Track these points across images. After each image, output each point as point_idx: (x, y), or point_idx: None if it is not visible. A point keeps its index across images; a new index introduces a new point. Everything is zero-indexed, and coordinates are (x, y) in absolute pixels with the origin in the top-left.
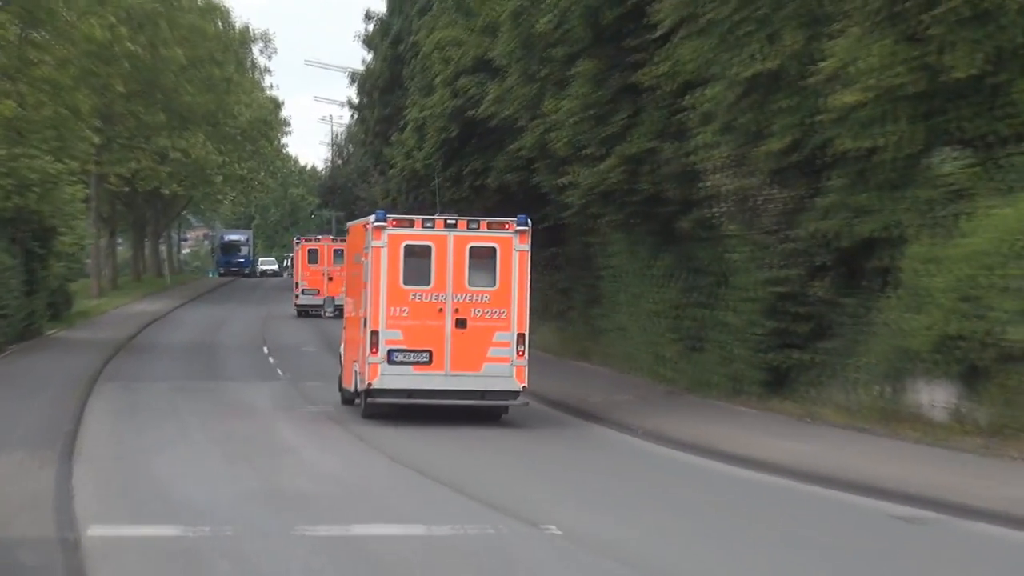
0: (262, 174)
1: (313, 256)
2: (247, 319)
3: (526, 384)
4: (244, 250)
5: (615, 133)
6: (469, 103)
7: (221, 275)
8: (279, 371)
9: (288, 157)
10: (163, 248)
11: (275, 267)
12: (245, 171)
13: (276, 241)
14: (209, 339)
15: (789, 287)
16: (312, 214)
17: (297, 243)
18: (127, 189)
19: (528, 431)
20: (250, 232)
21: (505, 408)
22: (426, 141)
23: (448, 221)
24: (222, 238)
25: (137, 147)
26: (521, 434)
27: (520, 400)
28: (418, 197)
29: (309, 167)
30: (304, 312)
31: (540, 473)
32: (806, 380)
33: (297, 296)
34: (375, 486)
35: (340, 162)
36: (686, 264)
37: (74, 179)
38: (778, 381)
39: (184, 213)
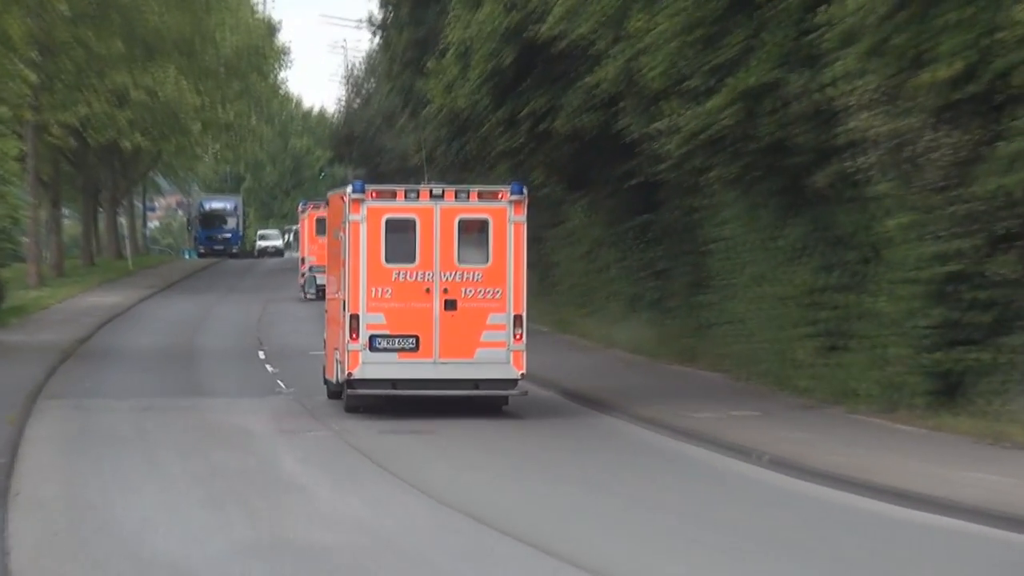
0: (254, 120)
1: (323, 226)
2: (237, 313)
3: (524, 371)
4: (231, 221)
5: (727, 60)
6: (530, 18)
7: (201, 255)
8: (280, 383)
9: (288, 98)
10: (123, 221)
11: (278, 243)
12: (231, 116)
13: (275, 210)
14: (186, 342)
15: (962, 264)
16: (322, 173)
17: (303, 210)
18: (75, 143)
19: (609, 455)
20: (239, 198)
21: (504, 399)
22: (472, 71)
23: (434, 191)
24: (202, 207)
25: (87, 87)
26: (596, 459)
27: (519, 389)
28: (463, 147)
29: (316, 111)
30: (314, 297)
31: (630, 517)
32: (987, 388)
33: (303, 276)
34: (413, 535)
35: (357, 103)
36: (823, 234)
37: (3, 130)
38: (949, 390)
39: (151, 174)
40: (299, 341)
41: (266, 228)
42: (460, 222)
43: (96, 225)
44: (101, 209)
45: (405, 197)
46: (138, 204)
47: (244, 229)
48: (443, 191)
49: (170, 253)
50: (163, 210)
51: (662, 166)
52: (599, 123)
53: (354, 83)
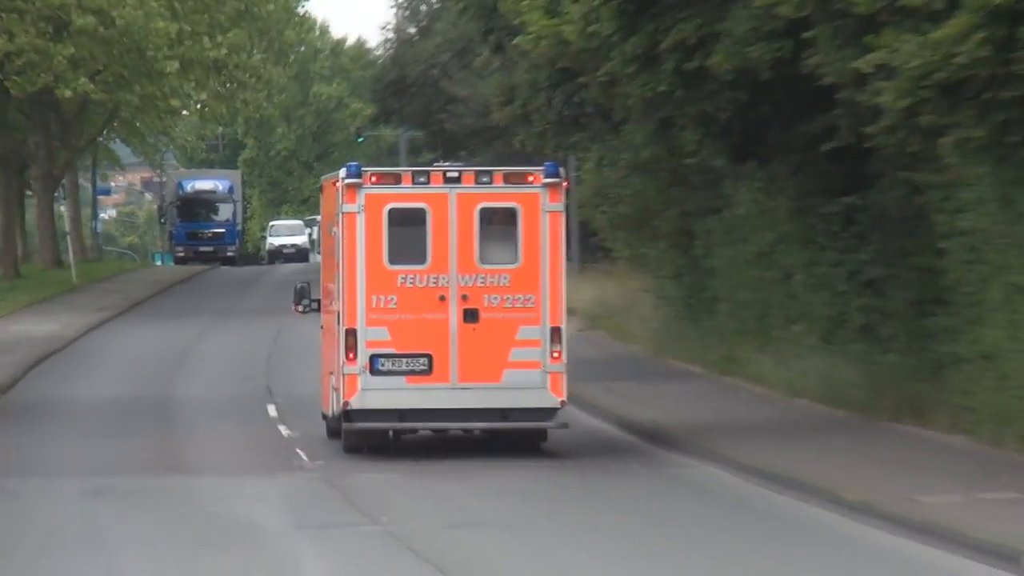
0: (257, 56)
1: None
2: (235, 348)
3: (565, 398)
4: (224, 210)
5: None
6: None
7: (181, 260)
8: (301, 452)
9: (309, 23)
10: (63, 210)
11: (299, 240)
12: (223, 51)
13: (289, 194)
14: (160, 391)
15: None
16: (360, 136)
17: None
18: None
19: (775, 546)
20: (236, 175)
21: (542, 434)
22: None
23: (449, 174)
24: (181, 188)
25: (5, 8)
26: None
27: (557, 421)
28: (572, 99)
29: (351, 43)
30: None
31: None
32: None
33: None
34: None
35: (413, 33)
36: None
37: None
38: None
39: (104, 140)
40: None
41: (279, 218)
42: (482, 212)
43: (22, 217)
44: (29, 193)
45: (413, 181)
46: (85, 184)
47: (244, 221)
48: (460, 174)
49: (134, 258)
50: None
51: (873, 126)
52: (777, 60)
53: (408, 4)
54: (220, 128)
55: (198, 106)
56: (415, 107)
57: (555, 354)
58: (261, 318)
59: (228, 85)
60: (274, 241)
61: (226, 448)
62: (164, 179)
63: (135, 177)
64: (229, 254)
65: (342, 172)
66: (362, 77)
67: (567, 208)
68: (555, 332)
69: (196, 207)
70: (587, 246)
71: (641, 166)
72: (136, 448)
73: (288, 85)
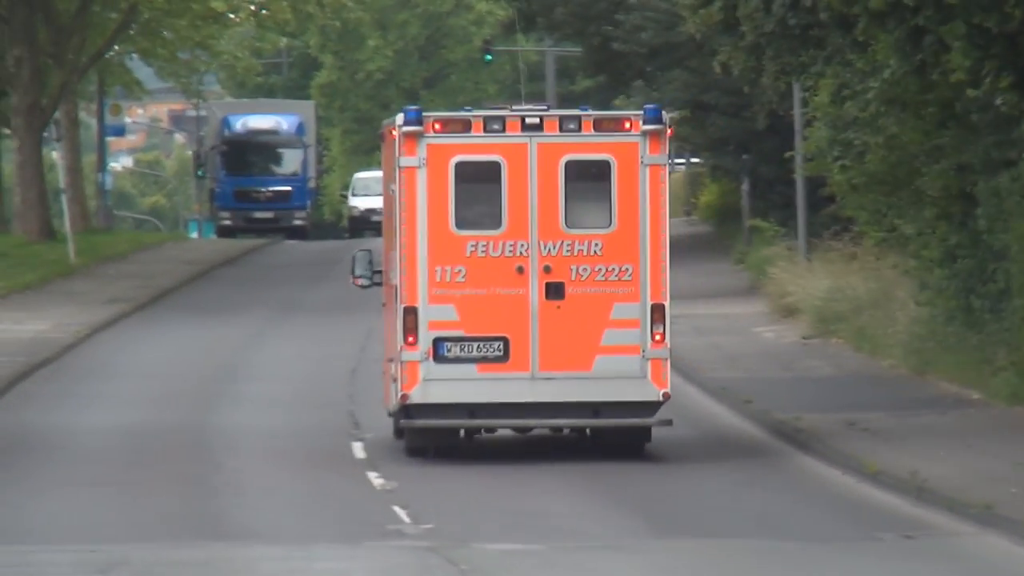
0: None
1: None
2: (303, 359)
3: (668, 390)
4: (291, 158)
5: None
6: None
7: (225, 231)
8: (399, 511)
9: None
10: (55, 155)
11: None
12: None
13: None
14: (194, 421)
15: None
16: (488, 52)
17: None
18: None
19: None
20: (308, 109)
21: (645, 434)
22: None
23: (528, 119)
24: (228, 127)
25: None
26: None
27: (659, 417)
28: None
29: None
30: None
31: None
32: None
33: None
34: None
35: None
36: None
37: None
38: None
39: (116, 55)
40: None
41: (368, 170)
42: (567, 165)
43: None
44: (7, 132)
45: (485, 129)
46: (89, 121)
47: (319, 175)
48: (541, 119)
49: (158, 227)
50: (144, 133)
51: None
52: None
53: None
54: (284, 40)
55: (252, 7)
56: (569, 11)
57: (657, 337)
58: (342, 316)
59: None
60: (359, 204)
61: (290, 504)
62: (203, 113)
63: (161, 110)
64: (297, 222)
65: (399, 118)
66: None
67: (792, 161)
68: (657, 310)
69: (249, 154)
70: (817, 217)
71: (899, 99)
72: (160, 504)
73: None
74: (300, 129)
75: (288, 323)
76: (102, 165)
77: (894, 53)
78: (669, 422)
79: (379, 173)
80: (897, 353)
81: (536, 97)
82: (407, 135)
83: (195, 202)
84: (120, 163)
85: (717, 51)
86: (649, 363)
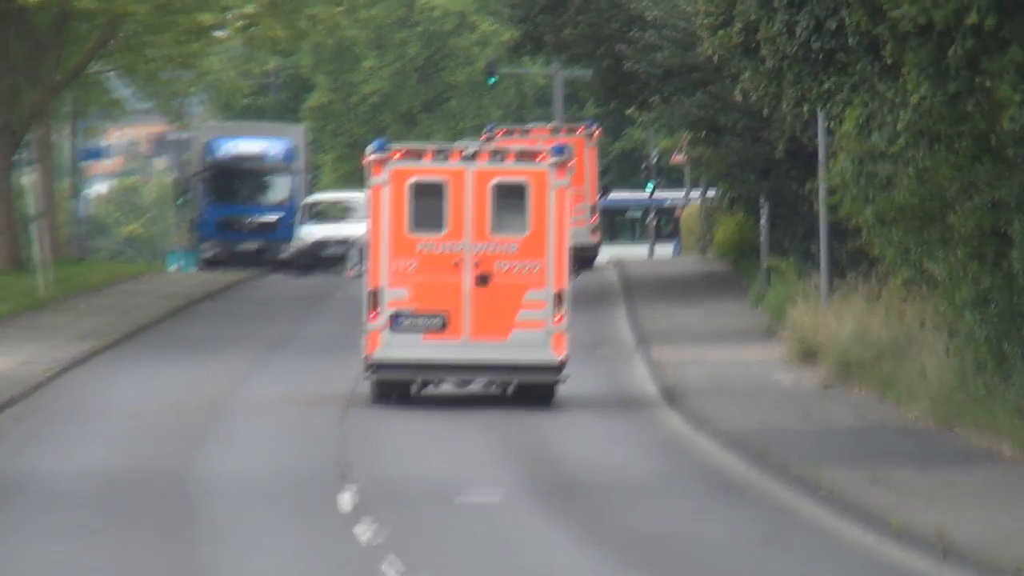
0: None
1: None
2: (293, 402)
3: (566, 355)
4: (280, 186)
5: None
6: None
7: (209, 263)
8: (388, 571)
9: None
10: (25, 181)
11: (360, 230)
12: None
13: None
14: (174, 468)
15: None
16: (492, 74)
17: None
18: None
19: None
20: (298, 133)
21: (550, 389)
22: None
23: (466, 152)
24: (213, 151)
25: None
26: None
27: (559, 376)
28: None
29: None
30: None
31: None
32: None
33: None
34: None
35: None
36: None
37: None
38: None
39: (95, 73)
40: (435, 468)
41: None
42: (495, 187)
43: None
44: None
45: (434, 158)
46: (64, 143)
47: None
48: (476, 152)
49: (137, 258)
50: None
51: None
52: None
53: None
54: (274, 59)
55: (240, 23)
56: (579, 31)
57: (557, 317)
58: (332, 356)
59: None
60: (308, 234)
61: (274, 558)
62: (187, 136)
63: (140, 132)
64: (285, 255)
65: (370, 148)
66: None
67: (814, 192)
68: (558, 296)
69: (235, 181)
70: (841, 253)
71: (930, 131)
72: (135, 555)
73: None
74: (290, 155)
75: (274, 362)
76: (77, 191)
77: (924, 80)
78: (563, 380)
79: (336, 195)
80: (924, 403)
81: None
82: (375, 160)
83: (176, 232)
84: (96, 189)
85: (736, 74)
86: (551, 336)
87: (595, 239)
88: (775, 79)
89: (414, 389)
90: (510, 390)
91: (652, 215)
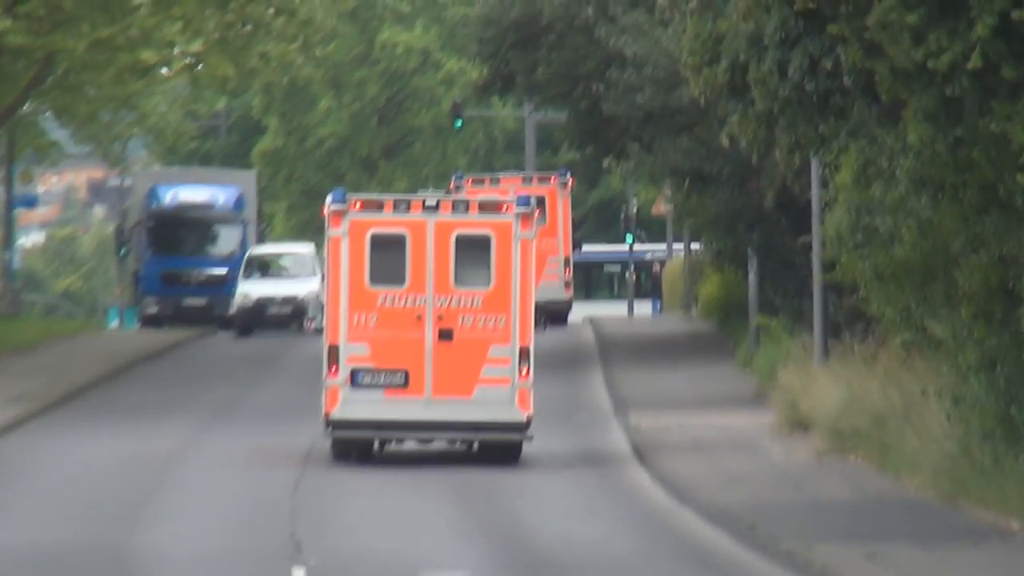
0: None
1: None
2: (241, 473)
3: (531, 413)
4: (227, 236)
5: None
6: None
7: (151, 320)
8: None
9: None
10: None
11: (305, 288)
12: None
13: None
14: (114, 543)
15: None
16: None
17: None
18: None
19: None
20: (248, 180)
21: (515, 448)
22: None
23: (427, 202)
24: (156, 199)
25: None
26: None
27: (525, 435)
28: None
29: None
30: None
31: None
32: None
33: None
34: None
35: None
36: None
37: None
38: None
39: (28, 113)
40: (394, 544)
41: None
42: (458, 239)
43: None
44: None
45: (394, 209)
46: None
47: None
48: (438, 202)
49: (74, 313)
50: (57, 205)
51: None
52: None
53: None
54: (223, 100)
55: (186, 61)
56: (553, 70)
57: (523, 372)
58: (284, 424)
59: (238, 27)
60: (251, 291)
61: None
62: (128, 183)
63: (79, 178)
64: (233, 311)
65: (328, 199)
66: (464, 18)
67: (806, 247)
68: (523, 351)
69: (180, 231)
70: (836, 311)
71: (933, 179)
72: None
73: (339, 28)
74: (239, 203)
75: (222, 429)
76: (9, 241)
77: (926, 123)
78: (529, 439)
79: (281, 247)
80: (926, 475)
81: (514, 170)
82: (334, 212)
83: (116, 286)
84: (30, 239)
85: (723, 118)
86: (517, 392)
87: (568, 294)
88: (766, 123)
89: (376, 447)
90: (475, 447)
91: (631, 270)
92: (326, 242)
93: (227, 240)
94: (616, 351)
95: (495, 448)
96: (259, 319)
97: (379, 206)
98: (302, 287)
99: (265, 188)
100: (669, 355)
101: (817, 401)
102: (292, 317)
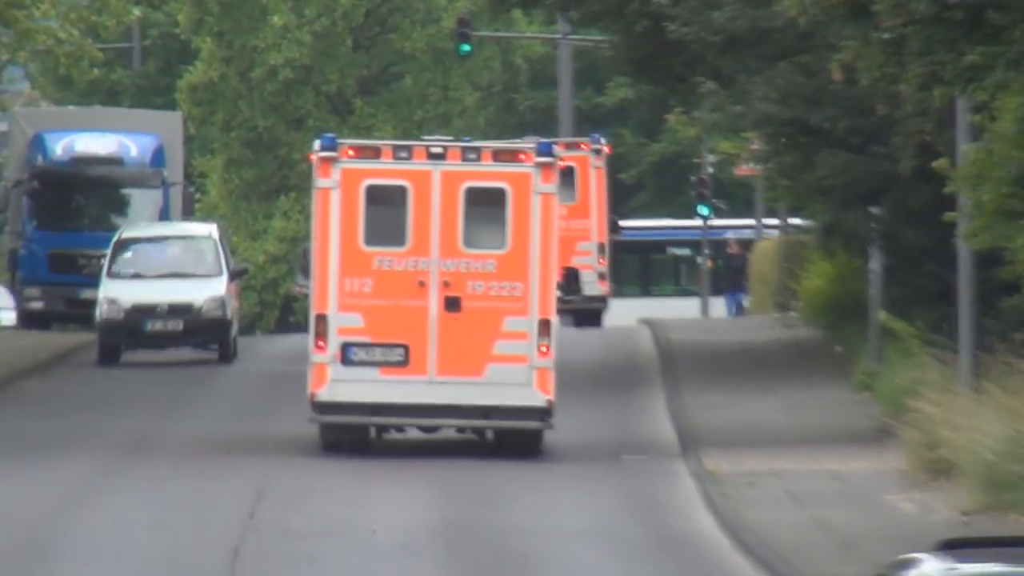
0: None
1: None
2: (160, 532)
3: (553, 397)
4: (139, 201)
5: None
6: None
7: (32, 318)
8: None
9: None
10: None
11: (204, 293)
12: None
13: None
14: None
15: None
16: (465, 39)
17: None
18: None
19: None
20: (171, 123)
21: (536, 439)
22: None
23: (432, 149)
24: (44, 150)
25: None
26: None
27: (546, 422)
28: None
29: None
30: None
31: None
32: None
33: None
34: None
35: None
36: None
37: None
38: None
39: None
40: None
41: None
42: (468, 192)
43: None
44: None
45: (394, 156)
46: None
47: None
48: (445, 149)
49: None
50: None
51: None
52: None
53: None
54: (136, 10)
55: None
56: None
57: (543, 349)
58: (219, 463)
59: None
60: (121, 295)
61: None
62: (3, 128)
63: None
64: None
65: (316, 144)
66: None
67: (953, 226)
68: (544, 325)
69: (76, 196)
70: (993, 315)
71: None
72: None
73: None
74: (158, 157)
75: (133, 472)
76: None
77: None
78: (551, 426)
79: (168, 228)
80: None
81: (542, 114)
82: (323, 159)
83: None
84: None
85: (836, 46)
86: (535, 372)
87: (603, 288)
88: (895, 52)
89: (373, 435)
90: (489, 435)
91: (706, 254)
92: (313, 194)
93: (141, 208)
94: (684, 366)
95: (512, 438)
96: (134, 337)
97: (376, 153)
98: (200, 290)
99: (195, 137)
100: (758, 372)
101: (964, 439)
102: (185, 336)
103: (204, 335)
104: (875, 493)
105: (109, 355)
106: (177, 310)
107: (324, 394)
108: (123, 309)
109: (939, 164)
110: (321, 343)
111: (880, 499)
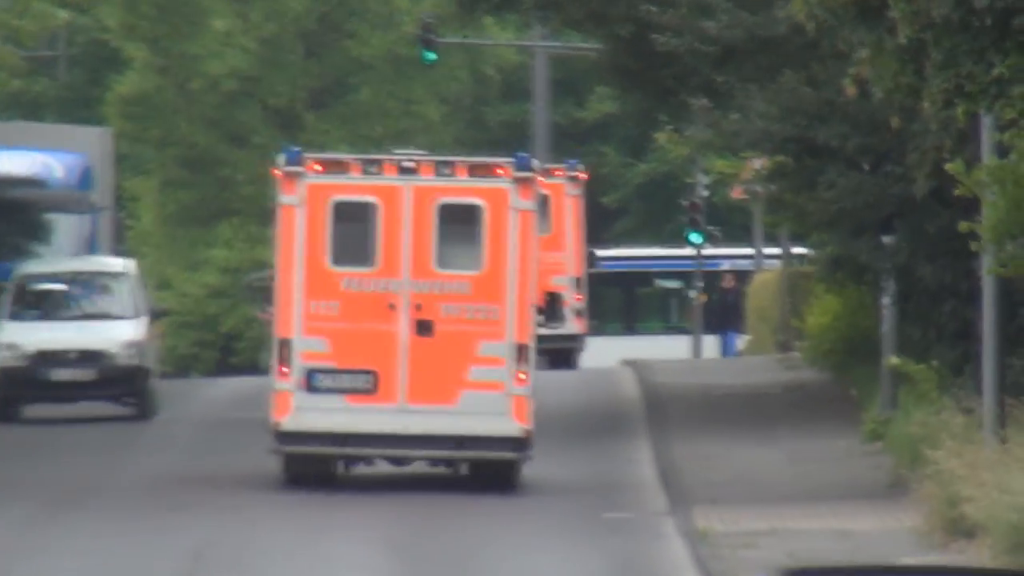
0: None
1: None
2: None
3: (530, 426)
4: (66, 232)
5: None
6: None
7: None
8: None
9: None
10: None
11: (123, 335)
12: None
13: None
14: None
15: None
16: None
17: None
18: None
19: None
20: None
21: (512, 471)
22: None
23: (404, 163)
24: None
25: None
26: None
27: (523, 453)
28: None
29: None
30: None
31: None
32: None
33: None
34: None
35: None
36: None
37: None
38: None
39: None
40: None
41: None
42: (441, 209)
43: None
44: None
45: (363, 171)
46: None
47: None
48: (417, 163)
49: None
50: None
51: None
52: None
53: None
54: (62, 14)
55: None
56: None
57: (520, 375)
58: (157, 517)
59: None
60: (22, 340)
61: None
62: None
63: None
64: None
65: (281, 159)
66: None
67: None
68: (521, 350)
69: None
70: (1020, 353)
71: None
72: None
73: None
74: (85, 178)
75: (63, 527)
76: None
77: None
78: (529, 457)
79: (81, 264)
80: None
81: (516, 130)
82: (287, 175)
83: None
84: None
85: (845, 53)
86: (512, 399)
87: (579, 326)
88: (912, 61)
89: (340, 468)
90: (463, 469)
91: (698, 287)
92: (276, 212)
93: (66, 236)
94: (673, 412)
95: (487, 469)
96: (37, 388)
97: (344, 168)
98: (115, 334)
99: (126, 156)
100: (756, 420)
101: (988, 495)
102: (98, 386)
103: (119, 386)
104: (887, 555)
105: (7, 410)
106: (88, 357)
107: (287, 423)
108: (26, 355)
109: (953, 167)
110: (284, 369)
111: (894, 561)
